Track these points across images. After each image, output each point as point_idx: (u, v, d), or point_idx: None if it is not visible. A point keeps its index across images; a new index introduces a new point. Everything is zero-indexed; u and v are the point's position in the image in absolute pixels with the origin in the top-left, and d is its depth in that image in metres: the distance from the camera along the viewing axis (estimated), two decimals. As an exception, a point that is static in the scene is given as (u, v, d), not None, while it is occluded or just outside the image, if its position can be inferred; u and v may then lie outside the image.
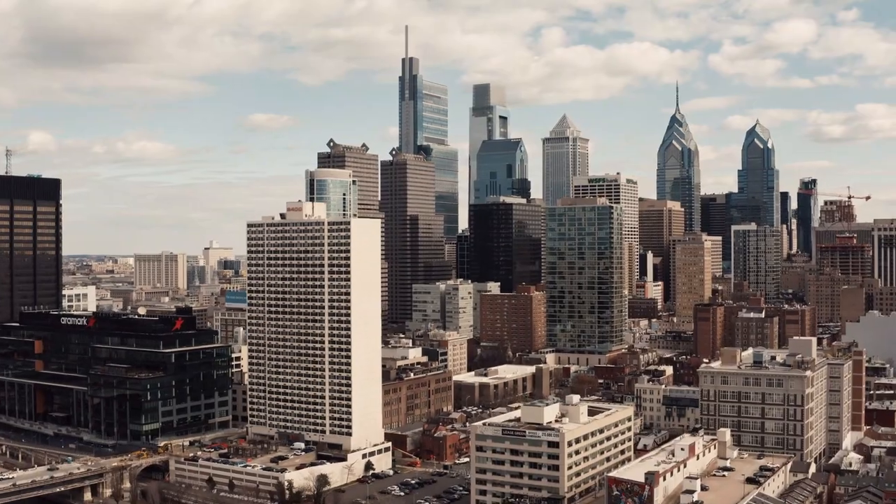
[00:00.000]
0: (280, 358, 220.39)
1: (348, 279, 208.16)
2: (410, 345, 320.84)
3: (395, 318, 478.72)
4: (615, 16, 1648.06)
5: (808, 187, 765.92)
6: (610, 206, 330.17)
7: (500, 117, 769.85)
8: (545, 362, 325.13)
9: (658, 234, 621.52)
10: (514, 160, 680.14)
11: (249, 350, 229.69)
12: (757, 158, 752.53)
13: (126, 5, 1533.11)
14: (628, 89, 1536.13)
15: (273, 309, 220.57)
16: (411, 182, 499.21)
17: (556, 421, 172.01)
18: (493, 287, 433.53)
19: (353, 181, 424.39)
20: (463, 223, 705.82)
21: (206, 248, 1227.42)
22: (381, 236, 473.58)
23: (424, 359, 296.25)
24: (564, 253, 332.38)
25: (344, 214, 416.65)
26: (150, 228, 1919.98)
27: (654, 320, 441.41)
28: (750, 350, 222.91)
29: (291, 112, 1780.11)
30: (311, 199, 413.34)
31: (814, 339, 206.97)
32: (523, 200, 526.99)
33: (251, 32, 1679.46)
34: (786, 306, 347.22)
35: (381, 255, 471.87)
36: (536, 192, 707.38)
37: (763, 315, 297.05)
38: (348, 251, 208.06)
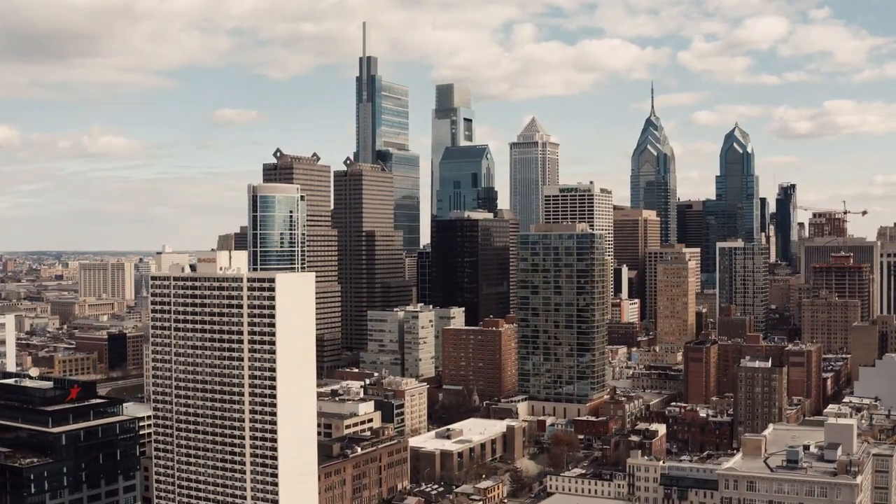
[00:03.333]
0: (192, 446, 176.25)
1: (273, 351, 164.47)
2: (362, 394, 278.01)
3: (351, 345, 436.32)
4: (586, 12, 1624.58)
5: (787, 194, 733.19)
6: (591, 233, 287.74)
7: (465, 119, 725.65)
8: (517, 413, 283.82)
9: (633, 246, 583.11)
10: (480, 168, 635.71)
11: (155, 434, 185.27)
12: (736, 164, 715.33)
13: (93, 0, 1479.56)
14: (597, 85, 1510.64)
15: (182, 385, 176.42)
16: (367, 194, 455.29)
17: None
18: (458, 313, 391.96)
19: (302, 196, 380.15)
20: (425, 234, 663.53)
21: (158, 253, 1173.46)
22: (335, 254, 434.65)
23: (377, 415, 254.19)
24: (538, 286, 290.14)
25: (291, 235, 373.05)
26: (112, 224, 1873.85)
27: (633, 350, 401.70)
28: (772, 428, 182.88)
29: (260, 107, 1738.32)
30: (254, 218, 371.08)
31: (854, 424, 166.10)
32: (490, 215, 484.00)
33: (220, 27, 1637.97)
34: (789, 346, 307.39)
35: (334, 276, 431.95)
36: (503, 200, 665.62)
37: (769, 363, 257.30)
38: (272, 315, 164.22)
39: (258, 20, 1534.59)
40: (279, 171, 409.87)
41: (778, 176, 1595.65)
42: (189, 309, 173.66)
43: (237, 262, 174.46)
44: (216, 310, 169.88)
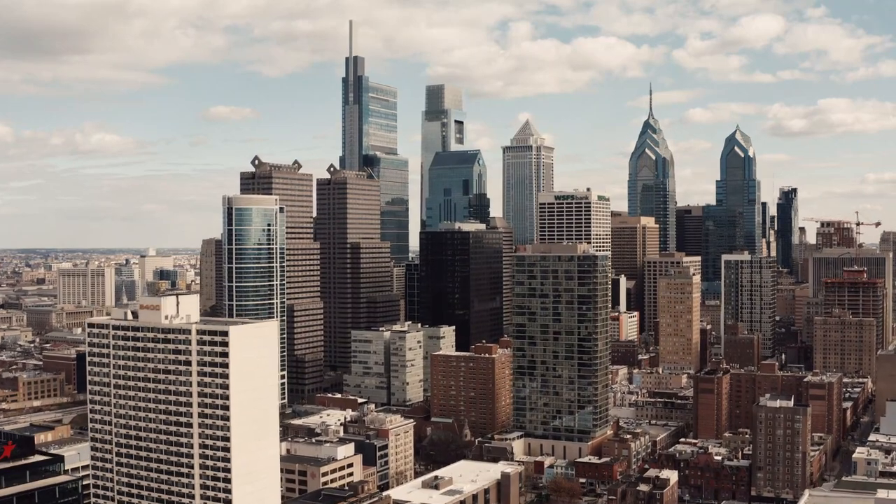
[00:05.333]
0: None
1: (227, 417, 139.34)
2: (341, 432, 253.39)
3: (335, 364, 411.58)
4: (582, 10, 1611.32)
5: (788, 198, 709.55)
6: (594, 254, 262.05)
7: (456, 121, 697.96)
8: (511, 452, 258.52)
9: (631, 254, 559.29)
10: (472, 174, 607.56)
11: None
12: (737, 168, 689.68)
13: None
14: (592, 84, 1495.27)
15: (124, 452, 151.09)
16: (352, 204, 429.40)
17: None
18: (448, 332, 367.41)
19: (281, 208, 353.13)
20: (414, 241, 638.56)
21: (141, 256, 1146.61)
22: (317, 269, 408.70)
23: (358, 459, 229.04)
24: (536, 313, 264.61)
25: (269, 249, 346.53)
26: (103, 221, 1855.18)
27: (635, 371, 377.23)
28: (808, 496, 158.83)
29: (254, 105, 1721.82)
30: (229, 231, 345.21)
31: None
32: (482, 226, 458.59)
33: (215, 25, 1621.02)
34: (808, 378, 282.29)
35: (317, 292, 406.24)
36: (496, 206, 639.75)
37: (791, 402, 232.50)
38: (226, 374, 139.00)
39: (253, 17, 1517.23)
40: (257, 180, 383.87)
41: (769, 174, 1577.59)
42: (131, 364, 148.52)
43: (186, 309, 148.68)
44: (161, 366, 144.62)
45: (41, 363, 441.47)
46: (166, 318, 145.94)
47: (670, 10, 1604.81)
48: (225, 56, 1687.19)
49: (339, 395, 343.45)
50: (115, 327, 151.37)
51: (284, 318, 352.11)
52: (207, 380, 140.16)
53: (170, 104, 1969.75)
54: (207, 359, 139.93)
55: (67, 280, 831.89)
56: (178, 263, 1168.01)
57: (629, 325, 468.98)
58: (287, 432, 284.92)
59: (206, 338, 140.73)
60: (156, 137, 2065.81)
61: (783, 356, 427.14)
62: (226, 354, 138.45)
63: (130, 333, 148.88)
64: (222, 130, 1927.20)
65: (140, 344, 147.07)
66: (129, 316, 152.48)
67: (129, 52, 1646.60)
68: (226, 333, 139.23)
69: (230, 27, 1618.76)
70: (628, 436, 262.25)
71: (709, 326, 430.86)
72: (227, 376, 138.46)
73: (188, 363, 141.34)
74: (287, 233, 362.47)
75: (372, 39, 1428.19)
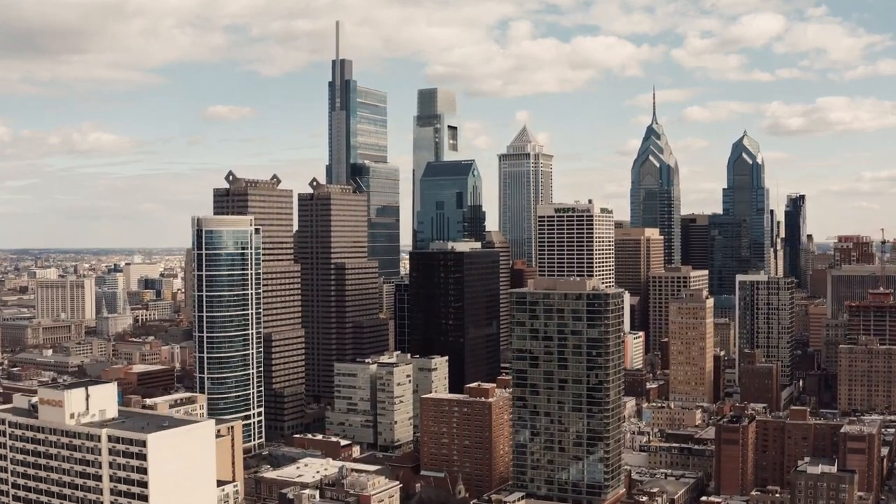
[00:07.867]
0: None
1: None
2: (317, 497, 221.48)
3: (319, 394, 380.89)
4: (582, 10, 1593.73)
5: (797, 206, 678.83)
6: (605, 293, 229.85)
7: (450, 127, 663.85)
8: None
9: (634, 268, 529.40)
10: (466, 186, 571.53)
11: None
12: (745, 176, 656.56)
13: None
14: (591, 82, 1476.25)
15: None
16: (337, 220, 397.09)
17: None
18: (440, 363, 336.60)
19: (257, 230, 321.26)
20: (406, 246, 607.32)
21: (127, 264, 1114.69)
22: (297, 293, 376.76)
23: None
24: (539, 358, 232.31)
25: (244, 275, 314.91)
26: (99, 220, 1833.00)
27: (644, 405, 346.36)
28: None
29: (253, 104, 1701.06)
30: (199, 256, 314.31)
31: None
32: (477, 244, 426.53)
33: (214, 24, 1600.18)
34: (846, 428, 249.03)
35: (298, 318, 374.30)
36: (492, 214, 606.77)
37: (834, 468, 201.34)
38: (144, 495, 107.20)
39: (252, 17, 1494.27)
40: (231, 197, 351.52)
41: (769, 173, 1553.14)
42: (31, 472, 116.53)
43: (99, 402, 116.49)
44: (66, 478, 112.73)
45: (1, 392, 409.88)
46: (72, 416, 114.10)
47: (670, 9, 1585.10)
48: (224, 55, 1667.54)
49: (320, 436, 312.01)
50: (13, 424, 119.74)
51: (261, 349, 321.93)
52: (122, 500, 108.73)
53: (168, 103, 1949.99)
54: (122, 473, 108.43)
55: (46, 291, 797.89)
56: (168, 267, 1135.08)
57: (634, 347, 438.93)
58: (259, 488, 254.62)
59: (120, 447, 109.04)
60: (153, 137, 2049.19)
61: (801, 383, 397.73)
62: (143, 470, 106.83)
63: (29, 434, 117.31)
64: (220, 130, 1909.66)
65: (41, 448, 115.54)
66: (31, 408, 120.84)
67: (128, 52, 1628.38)
68: (143, 443, 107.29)
69: (229, 26, 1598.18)
70: (644, 497, 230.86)
71: (721, 352, 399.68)
72: (145, 497, 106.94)
73: (98, 477, 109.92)
74: (265, 254, 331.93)
75: (371, 39, 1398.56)
